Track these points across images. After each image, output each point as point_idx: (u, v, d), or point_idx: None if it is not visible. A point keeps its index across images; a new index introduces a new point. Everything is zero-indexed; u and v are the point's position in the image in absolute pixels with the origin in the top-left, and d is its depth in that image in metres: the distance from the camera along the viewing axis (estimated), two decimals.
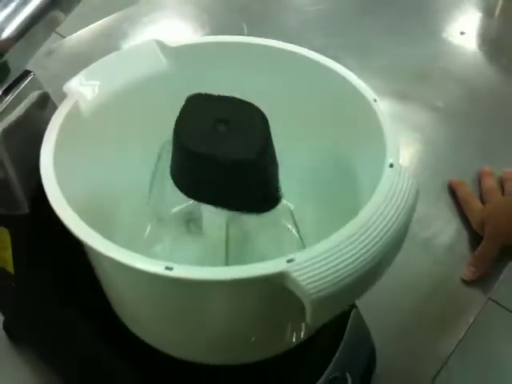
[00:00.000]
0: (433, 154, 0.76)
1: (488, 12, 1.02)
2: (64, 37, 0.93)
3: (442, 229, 0.67)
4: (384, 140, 0.37)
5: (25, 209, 0.40)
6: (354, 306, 0.51)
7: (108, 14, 0.98)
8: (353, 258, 0.31)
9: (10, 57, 0.37)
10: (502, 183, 0.70)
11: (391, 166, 0.35)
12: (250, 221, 0.41)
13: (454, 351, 0.57)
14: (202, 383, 0.44)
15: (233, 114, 0.38)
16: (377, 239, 0.32)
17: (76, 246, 0.39)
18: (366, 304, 0.51)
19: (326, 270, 0.30)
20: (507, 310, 1.33)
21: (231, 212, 0.37)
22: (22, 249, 0.42)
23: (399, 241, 0.33)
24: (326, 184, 0.45)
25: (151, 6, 1.01)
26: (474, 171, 0.73)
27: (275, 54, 0.44)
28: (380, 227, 0.32)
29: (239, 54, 0.45)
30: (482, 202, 0.68)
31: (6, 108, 0.37)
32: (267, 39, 0.45)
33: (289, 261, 0.30)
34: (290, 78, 0.44)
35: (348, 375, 0.48)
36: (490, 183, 0.68)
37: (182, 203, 0.49)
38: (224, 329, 0.36)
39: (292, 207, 0.46)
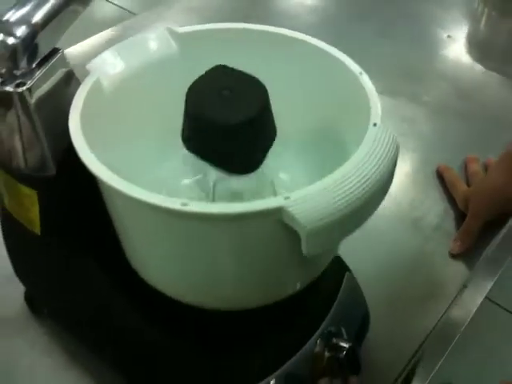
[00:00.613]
0: (422, 144, 0.81)
1: (473, 17, 1.08)
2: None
3: (431, 209, 0.72)
4: (369, 107, 0.42)
5: (52, 171, 0.45)
6: (348, 269, 0.55)
7: (107, 27, 1.04)
8: (342, 196, 0.36)
9: (40, 38, 0.42)
10: (486, 169, 0.75)
11: (375, 125, 0.40)
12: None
13: (450, 349, 0.62)
14: (208, 329, 0.48)
15: (237, 84, 0.43)
16: (364, 180, 0.37)
17: (98, 204, 0.45)
18: (359, 273, 0.56)
19: (319, 205, 0.35)
20: (504, 309, 1.37)
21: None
22: (48, 209, 0.47)
23: (385, 183, 0.38)
24: (317, 154, 0.50)
25: (149, 19, 1.07)
26: (460, 159, 0.78)
27: (273, 38, 0.50)
28: (367, 170, 0.37)
29: (241, 39, 0.50)
30: (468, 184, 0.73)
31: (38, 80, 0.42)
32: (266, 25, 0.50)
33: (285, 198, 0.36)
34: (288, 60, 0.50)
35: (343, 330, 0.52)
36: (475, 167, 0.74)
37: (191, 176, 0.54)
38: (229, 269, 0.41)
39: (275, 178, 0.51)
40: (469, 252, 0.66)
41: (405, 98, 0.88)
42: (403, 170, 0.77)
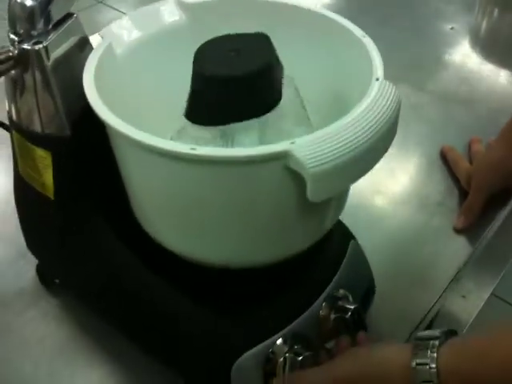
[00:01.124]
0: (426, 129, 0.83)
1: (476, 9, 1.10)
2: None
3: (435, 188, 0.73)
4: (372, 65, 0.44)
5: (67, 131, 0.47)
6: (353, 237, 0.57)
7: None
8: (346, 141, 0.37)
9: (56, 1, 0.44)
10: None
11: (377, 79, 0.42)
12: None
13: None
14: (216, 288, 0.50)
15: (244, 46, 0.45)
16: (368, 127, 0.38)
17: (110, 166, 0.46)
18: (365, 246, 0.57)
19: (323, 150, 0.37)
20: (510, 305, 1.36)
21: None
22: (62, 172, 0.49)
23: (387, 133, 0.39)
24: (326, 114, 0.51)
25: None
26: (463, 143, 0.79)
27: (278, 8, 0.52)
28: (371, 118, 0.38)
29: (247, 9, 0.52)
30: (471, 163, 0.74)
31: (54, 40, 0.44)
32: None
33: (291, 143, 0.37)
34: (294, 29, 0.51)
35: (348, 294, 0.53)
36: (478, 147, 0.75)
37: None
38: (236, 219, 0.42)
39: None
40: (472, 227, 0.67)
41: (408, 85, 0.89)
42: (408, 152, 0.79)
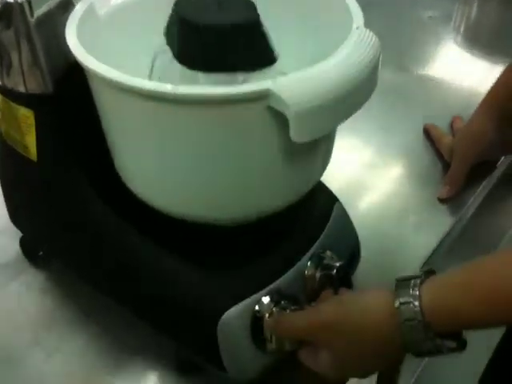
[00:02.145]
0: (409, 109, 0.84)
1: None
2: None
3: (419, 162, 0.75)
4: (352, 15, 0.44)
5: (50, 89, 0.47)
6: (337, 199, 0.57)
7: None
8: (330, 81, 0.38)
9: None
10: None
11: (357, 28, 0.42)
12: None
13: None
14: (200, 245, 0.50)
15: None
16: (349, 70, 0.39)
17: (94, 125, 0.46)
18: (351, 215, 0.58)
19: (306, 88, 0.37)
20: None
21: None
22: (45, 131, 0.49)
23: (370, 77, 0.40)
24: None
25: None
26: (446, 122, 0.80)
27: None
28: (353, 61, 0.39)
29: None
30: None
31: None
32: None
33: (273, 81, 0.37)
34: None
35: (333, 255, 0.53)
36: (460, 124, 0.76)
37: None
38: (217, 165, 0.42)
39: None
40: (455, 197, 0.68)
41: (392, 67, 0.90)
42: (392, 130, 0.79)
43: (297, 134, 0.38)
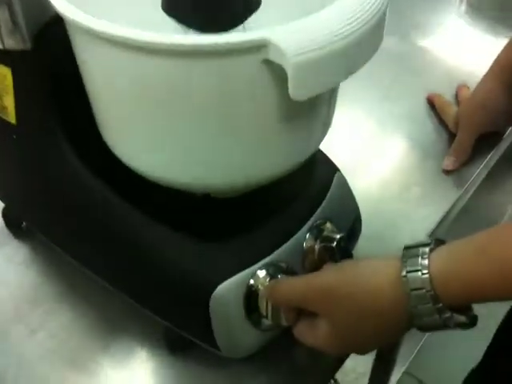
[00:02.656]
0: (413, 77, 0.80)
1: None
2: None
3: (424, 133, 0.71)
4: None
5: (28, 45, 0.43)
6: (337, 169, 0.54)
7: None
8: (332, 29, 0.34)
9: None
10: None
11: None
12: None
13: None
14: (196, 215, 0.47)
15: None
16: (356, 17, 0.35)
17: (74, 84, 0.43)
18: (354, 185, 0.55)
19: (307, 38, 0.33)
20: None
21: None
22: (24, 91, 0.45)
23: (376, 29, 0.36)
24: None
25: None
26: (451, 91, 0.77)
27: None
28: (358, 9, 0.35)
29: None
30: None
31: None
32: None
33: (271, 30, 0.34)
34: None
35: (334, 227, 0.50)
36: (465, 93, 0.72)
37: None
38: (210, 125, 0.38)
39: None
40: (461, 169, 0.65)
41: (394, 36, 0.87)
42: (395, 100, 0.76)
43: (296, 90, 0.34)
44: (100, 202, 0.47)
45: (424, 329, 0.39)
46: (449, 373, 1.05)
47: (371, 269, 0.40)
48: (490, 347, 0.67)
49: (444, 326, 0.38)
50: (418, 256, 0.37)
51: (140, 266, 0.47)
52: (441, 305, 0.36)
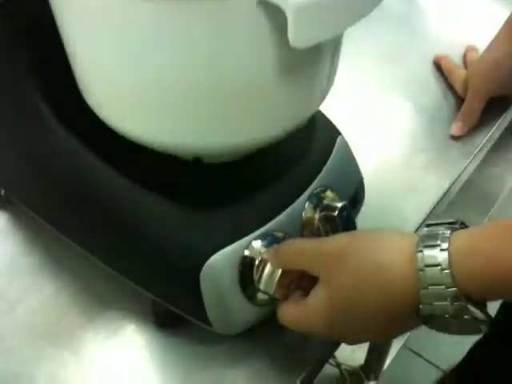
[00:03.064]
0: (419, 40, 0.76)
1: None
2: None
3: (431, 98, 0.67)
4: None
5: None
6: (339, 133, 0.50)
7: None
8: None
9: None
10: None
11: None
12: None
13: None
14: (181, 181, 0.43)
15: None
16: None
17: (52, 32, 0.39)
18: (357, 149, 0.51)
19: None
20: None
21: None
22: None
23: None
24: None
25: None
26: (459, 53, 0.73)
27: None
28: None
29: None
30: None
31: None
32: None
33: None
34: None
35: (335, 194, 0.47)
36: (474, 55, 0.68)
37: None
38: (202, 79, 0.34)
39: None
40: (469, 134, 0.62)
41: None
42: (401, 64, 0.71)
43: (296, 37, 0.30)
44: (81, 166, 0.44)
45: (431, 320, 0.34)
46: (447, 346, 1.03)
47: (385, 241, 0.36)
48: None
49: (455, 316, 0.33)
50: (439, 233, 0.33)
51: (125, 235, 0.43)
52: (455, 289, 0.32)
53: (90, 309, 0.48)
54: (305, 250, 0.39)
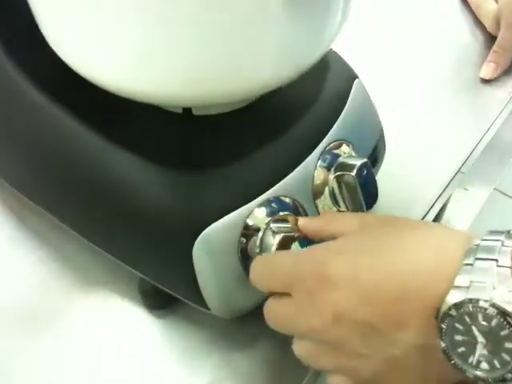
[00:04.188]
0: None
1: None
2: None
3: (457, 37, 0.59)
4: None
5: None
6: (356, 76, 0.42)
7: None
8: None
9: None
10: None
11: None
12: None
13: None
14: (168, 139, 0.36)
15: None
16: None
17: None
18: (378, 96, 0.43)
19: None
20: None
21: None
22: None
23: None
24: None
25: None
26: None
27: None
28: None
29: None
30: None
31: None
32: None
33: None
34: None
35: (353, 149, 0.40)
36: None
37: None
38: (185, 15, 0.28)
39: None
40: (503, 77, 0.54)
41: None
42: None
43: None
44: (51, 124, 0.37)
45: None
46: None
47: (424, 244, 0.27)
48: None
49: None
50: (498, 241, 0.25)
51: (102, 204, 0.36)
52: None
53: (73, 288, 0.41)
54: (276, 268, 0.31)
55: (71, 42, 0.32)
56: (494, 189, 1.29)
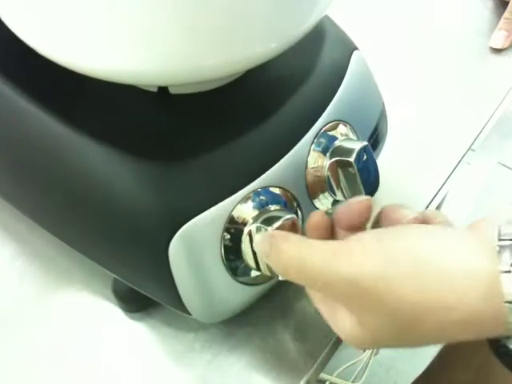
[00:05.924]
0: None
1: None
2: None
3: (464, 4, 0.54)
4: None
5: None
6: (355, 47, 0.38)
7: None
8: None
9: None
10: None
11: None
12: None
13: None
14: (143, 122, 0.31)
15: None
16: None
17: None
18: (379, 70, 0.39)
19: None
20: None
21: None
22: None
23: None
24: None
25: None
26: None
27: None
28: None
29: None
30: None
31: None
32: None
33: None
34: None
35: (351, 129, 0.35)
36: None
37: None
38: None
39: None
40: None
41: None
42: None
43: None
44: (12, 111, 0.32)
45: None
46: None
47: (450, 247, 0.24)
48: None
49: None
50: None
51: (70, 198, 0.32)
52: None
53: (45, 288, 0.37)
54: (306, 267, 0.26)
55: (28, 14, 0.28)
56: (498, 163, 1.25)
